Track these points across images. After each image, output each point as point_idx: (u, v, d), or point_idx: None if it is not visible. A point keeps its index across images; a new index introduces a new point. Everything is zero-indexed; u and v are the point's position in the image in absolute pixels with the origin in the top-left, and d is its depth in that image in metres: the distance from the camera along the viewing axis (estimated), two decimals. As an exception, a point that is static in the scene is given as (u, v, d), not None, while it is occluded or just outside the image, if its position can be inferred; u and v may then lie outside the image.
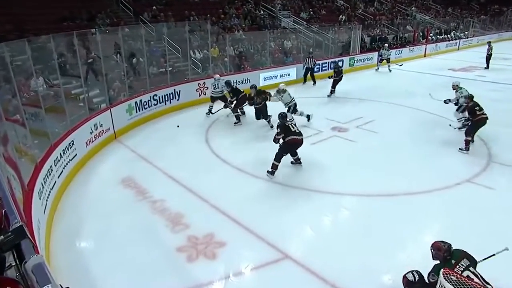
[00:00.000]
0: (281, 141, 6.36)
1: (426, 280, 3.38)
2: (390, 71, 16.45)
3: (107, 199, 5.84)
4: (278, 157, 6.31)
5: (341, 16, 21.06)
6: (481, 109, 7.41)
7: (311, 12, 20.05)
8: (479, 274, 3.24)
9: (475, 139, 7.75)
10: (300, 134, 6.38)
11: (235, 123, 9.28)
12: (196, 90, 11.08)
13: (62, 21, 12.05)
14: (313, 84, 13.99)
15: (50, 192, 5.32)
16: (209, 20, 13.71)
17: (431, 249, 3.50)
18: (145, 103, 9.49)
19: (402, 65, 16.40)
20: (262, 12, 18.06)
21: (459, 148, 7.42)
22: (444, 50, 23.09)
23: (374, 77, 15.85)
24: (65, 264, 4.35)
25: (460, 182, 6.15)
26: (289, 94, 9.10)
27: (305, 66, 14.08)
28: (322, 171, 6.62)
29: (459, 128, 8.17)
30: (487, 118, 7.41)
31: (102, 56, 8.24)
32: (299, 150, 6.65)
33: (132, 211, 5.47)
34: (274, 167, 6.30)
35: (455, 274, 2.94)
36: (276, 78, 13.66)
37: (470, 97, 7.68)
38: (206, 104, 10.34)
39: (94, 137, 7.47)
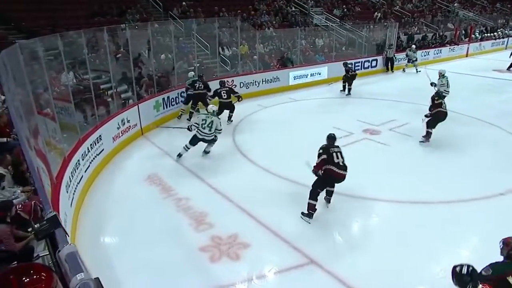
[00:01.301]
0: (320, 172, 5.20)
1: (479, 271, 3.19)
2: (417, 71, 15.96)
3: (132, 195, 6.00)
4: (313, 195, 5.24)
5: (376, 13, 20.70)
6: (441, 103, 7.89)
7: (345, 9, 19.82)
8: None
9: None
10: (343, 168, 5.16)
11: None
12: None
13: (93, 16, 12.52)
14: (391, 71, 16.07)
15: (77, 186, 5.54)
16: (239, 17, 13.82)
17: (499, 243, 3.34)
18: (172, 100, 9.69)
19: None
20: (293, 9, 18.04)
21: (420, 141, 7.97)
22: (489, 49, 22.17)
23: (409, 78, 15.45)
24: (89, 259, 4.50)
25: (504, 192, 5.89)
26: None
27: (386, 56, 16.12)
28: (352, 175, 6.48)
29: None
30: (446, 113, 7.89)
31: (131, 51, 8.49)
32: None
33: (156, 208, 5.60)
34: (311, 207, 5.23)
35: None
36: (306, 77, 13.60)
37: (436, 103, 7.98)
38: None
39: (121, 133, 7.71)
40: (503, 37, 23.65)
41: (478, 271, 3.14)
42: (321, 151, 5.17)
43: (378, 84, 13.98)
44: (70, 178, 5.22)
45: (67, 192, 4.99)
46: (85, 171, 6.02)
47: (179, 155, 7.16)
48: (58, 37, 5.77)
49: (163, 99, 9.38)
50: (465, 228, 5.06)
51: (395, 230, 5.04)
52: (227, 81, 11.04)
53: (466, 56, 20.49)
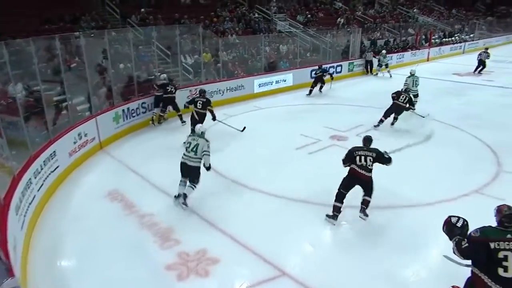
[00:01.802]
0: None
1: (469, 232, 3.31)
2: (391, 76, 16.68)
3: (91, 213, 5.78)
4: (337, 196, 5.46)
5: (339, 19, 21.33)
6: (400, 98, 9.37)
7: (308, 15, 20.28)
8: None
9: (484, 149, 7.82)
10: (366, 169, 5.31)
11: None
12: (187, 97, 11.07)
13: (43, 23, 12.06)
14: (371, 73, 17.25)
15: (28, 206, 5.26)
16: (201, 24, 13.81)
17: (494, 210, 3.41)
18: (133, 111, 9.49)
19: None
20: (256, 15, 18.24)
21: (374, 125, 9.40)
22: (448, 53, 23.42)
23: (375, 82, 16.00)
24: (45, 286, 4.27)
25: (468, 193, 6.16)
26: None
27: (366, 59, 17.36)
28: (321, 183, 6.60)
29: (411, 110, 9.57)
30: (403, 107, 9.32)
31: (86, 61, 8.25)
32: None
33: (118, 226, 5.41)
34: (335, 209, 5.44)
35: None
36: (271, 84, 13.74)
37: (398, 92, 9.56)
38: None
39: (78, 147, 7.43)
40: (460, 42, 25.10)
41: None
42: (344, 157, 5.49)
43: (344, 90, 14.35)
44: (20, 199, 4.95)
45: (17, 214, 4.72)
46: (38, 190, 5.74)
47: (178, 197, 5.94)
48: (3, 45, 5.51)
49: (123, 110, 9.16)
50: (432, 230, 5.22)
51: (366, 236, 5.13)
52: (190, 90, 10.95)
53: (427, 60, 21.49)
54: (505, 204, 3.34)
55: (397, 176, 6.75)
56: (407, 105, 9.36)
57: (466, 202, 5.85)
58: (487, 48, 18.37)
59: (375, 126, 9.52)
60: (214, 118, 8.79)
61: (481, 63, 17.46)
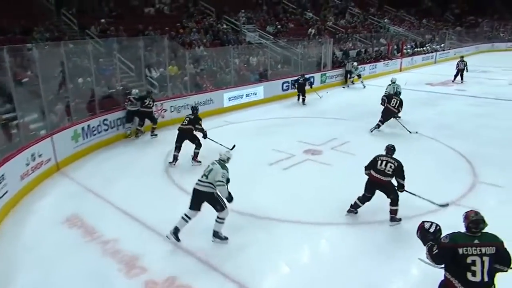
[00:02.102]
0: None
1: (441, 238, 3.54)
2: (364, 87, 17.21)
3: (47, 242, 5.55)
4: (362, 198, 6.01)
5: (310, 29, 21.83)
6: (391, 102, 10.36)
7: (278, 26, 20.65)
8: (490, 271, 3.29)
9: (459, 159, 8.11)
10: (383, 173, 5.76)
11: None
12: (153, 113, 10.97)
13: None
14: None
15: (-25, 237, 4.99)
16: (167, 35, 13.78)
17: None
18: (94, 129, 9.28)
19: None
20: (225, 26, 18.41)
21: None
22: (420, 63, 24.37)
23: (348, 94, 16.38)
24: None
25: (450, 202, 6.33)
26: None
27: (346, 70, 18.09)
28: (297, 199, 6.64)
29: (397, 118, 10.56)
30: (394, 111, 10.29)
31: (40, 75, 8.03)
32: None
33: (77, 255, 5.21)
34: (355, 206, 6.06)
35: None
36: (242, 97, 13.82)
37: (389, 95, 10.62)
38: (162, 127, 10.28)
39: (32, 170, 7.16)
40: (431, 52, 26.25)
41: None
42: (368, 163, 5.95)
43: (318, 102, 14.60)
44: (-35, 229, 4.69)
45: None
46: (-14, 218, 5.46)
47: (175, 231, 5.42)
48: None
49: (83, 128, 8.94)
50: (412, 244, 5.33)
51: (346, 253, 5.17)
52: (156, 104, 10.83)
53: (400, 70, 22.26)
54: (472, 210, 3.55)
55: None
56: (398, 110, 10.30)
57: (444, 213, 6.00)
58: (462, 57, 19.27)
59: (371, 130, 10.45)
60: (204, 136, 8.62)
61: (460, 72, 18.33)
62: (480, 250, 3.31)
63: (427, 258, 3.55)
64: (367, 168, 5.95)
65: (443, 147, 9.19)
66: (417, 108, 13.25)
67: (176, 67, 13.04)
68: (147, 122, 10.38)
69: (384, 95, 11.44)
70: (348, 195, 6.70)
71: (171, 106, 11.37)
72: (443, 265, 3.50)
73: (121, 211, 6.35)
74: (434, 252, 3.47)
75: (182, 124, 8.39)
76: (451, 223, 3.79)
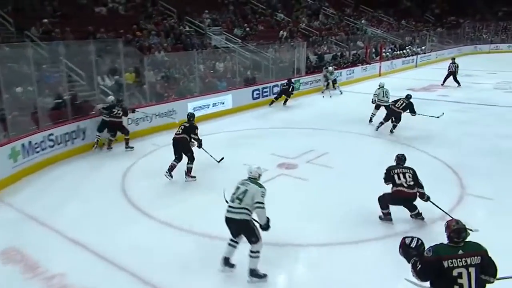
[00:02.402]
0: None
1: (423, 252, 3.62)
2: (341, 93, 17.53)
3: (-21, 280, 5.25)
4: (383, 204, 6.36)
5: (282, 32, 22.12)
6: (397, 103, 11.30)
7: (247, 28, 20.82)
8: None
9: (445, 170, 8.32)
10: (408, 186, 6.14)
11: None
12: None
13: None
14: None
15: None
16: (122, 38, 13.59)
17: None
18: (36, 145, 8.98)
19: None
20: (187, 29, 18.39)
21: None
22: (400, 68, 25.08)
23: (325, 102, 16.59)
24: None
25: (434, 219, 6.41)
26: None
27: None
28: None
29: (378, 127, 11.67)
30: (399, 113, 11.20)
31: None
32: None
33: (17, 294, 4.96)
34: (386, 216, 6.39)
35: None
36: (208, 107, 13.75)
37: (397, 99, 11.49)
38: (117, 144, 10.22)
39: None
40: (412, 55, 27.03)
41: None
42: (384, 176, 6.27)
43: (291, 111, 14.71)
44: None
45: None
46: None
47: None
48: None
49: (23, 144, 8.63)
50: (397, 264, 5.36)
51: (324, 276, 5.14)
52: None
53: (380, 75, 22.80)
54: (452, 219, 3.70)
55: (351, 207, 6.93)
56: (403, 111, 11.15)
57: (432, 229, 6.09)
58: (454, 58, 19.98)
59: (377, 127, 11.56)
60: (200, 146, 8.60)
61: (451, 74, 19.01)
62: (466, 261, 3.38)
63: (414, 276, 3.59)
64: (386, 180, 6.26)
65: (427, 157, 9.39)
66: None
67: (133, 74, 12.86)
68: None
69: (375, 93, 12.56)
70: (325, 211, 6.73)
71: (128, 118, 11.15)
72: (428, 283, 3.55)
73: (70, 240, 6.10)
74: (418, 268, 3.52)
75: (176, 134, 8.34)
76: (443, 239, 3.82)
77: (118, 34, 14.53)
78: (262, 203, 4.90)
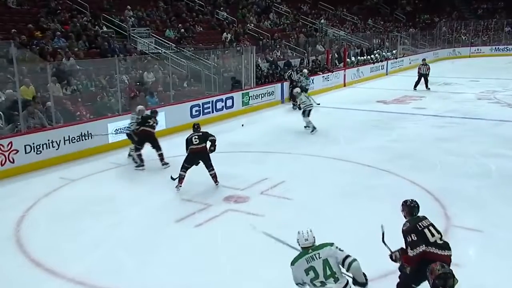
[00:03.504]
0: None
1: None
2: (318, 104, 17.81)
3: None
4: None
5: (225, 34, 22.32)
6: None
7: (181, 30, 20.83)
8: None
9: (425, 197, 8.55)
10: (445, 246, 4.95)
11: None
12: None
13: None
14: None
15: None
16: (15, 40, 13.15)
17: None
18: None
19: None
20: (105, 29, 18.13)
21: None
22: (369, 76, 25.96)
23: (278, 119, 16.72)
24: None
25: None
26: None
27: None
28: (218, 268, 6.51)
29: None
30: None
31: None
32: None
33: None
34: None
35: None
36: (134, 128, 13.48)
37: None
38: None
39: None
40: (381, 61, 27.98)
41: None
42: (408, 233, 4.88)
43: (240, 131, 14.70)
44: None
45: None
46: None
47: None
48: None
49: None
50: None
51: None
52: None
53: (344, 85, 23.41)
54: (436, 262, 3.74)
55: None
56: None
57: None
58: (424, 60, 20.96)
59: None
60: (214, 149, 9.55)
61: (423, 77, 19.91)
62: None
63: None
64: (418, 244, 4.85)
65: (403, 182, 9.58)
66: (368, 132, 13.90)
67: (33, 88, 12.44)
68: None
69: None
70: (285, 255, 6.65)
71: (25, 145, 10.70)
72: None
73: None
74: None
75: (194, 145, 9.35)
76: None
77: (9, 35, 14.16)
78: (349, 255, 4.63)
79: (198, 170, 10.08)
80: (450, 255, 4.89)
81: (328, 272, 4.53)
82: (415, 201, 5.28)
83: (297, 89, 15.52)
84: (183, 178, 9.36)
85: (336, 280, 4.50)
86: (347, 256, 4.60)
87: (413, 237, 4.78)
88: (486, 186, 9.36)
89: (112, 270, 6.48)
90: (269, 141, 13.29)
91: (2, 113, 11.40)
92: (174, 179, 9.45)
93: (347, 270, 4.58)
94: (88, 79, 14.30)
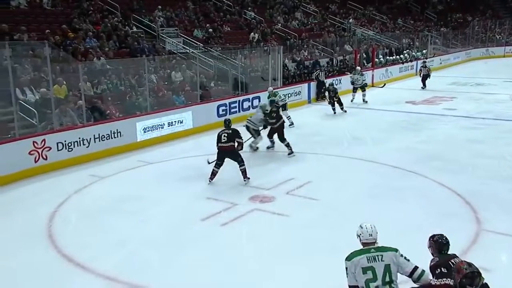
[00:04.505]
0: None
1: None
2: (366, 102, 18.43)
3: None
4: None
5: (252, 34, 22.34)
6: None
7: (210, 30, 20.94)
8: None
9: (455, 200, 8.42)
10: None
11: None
12: (29, 153, 10.53)
13: None
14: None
15: None
16: (49, 40, 13.40)
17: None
18: None
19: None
20: (135, 30, 18.34)
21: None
22: (398, 76, 25.65)
23: (306, 119, 16.65)
24: None
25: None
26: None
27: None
28: (242, 268, 6.52)
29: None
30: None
31: None
32: None
33: None
34: None
35: None
36: (162, 128, 13.64)
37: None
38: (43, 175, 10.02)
39: None
40: (411, 61, 27.65)
41: None
42: (437, 267, 4.41)
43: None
44: None
45: None
46: None
47: None
48: None
49: None
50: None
51: None
52: (34, 142, 10.38)
53: (373, 85, 23.18)
54: (463, 261, 3.68)
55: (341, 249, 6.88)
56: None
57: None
58: (425, 62, 20.73)
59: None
60: (241, 148, 10.03)
61: (426, 77, 20.22)
62: None
63: None
64: (442, 277, 4.32)
65: (432, 184, 9.46)
66: (395, 133, 13.77)
67: (65, 87, 12.68)
68: None
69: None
70: (309, 255, 6.65)
71: (58, 143, 10.92)
72: None
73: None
74: None
75: (222, 143, 9.74)
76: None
77: (43, 35, 14.38)
78: (417, 266, 4.42)
79: (224, 169, 10.17)
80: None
81: (387, 279, 4.31)
82: (444, 236, 4.77)
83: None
84: (215, 174, 9.76)
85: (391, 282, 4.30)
86: (416, 268, 4.38)
87: (443, 269, 4.33)
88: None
89: (139, 267, 6.55)
90: (295, 141, 13.24)
91: (36, 111, 11.64)
92: (210, 163, 9.94)
93: (416, 282, 4.41)
94: (118, 79, 14.47)
